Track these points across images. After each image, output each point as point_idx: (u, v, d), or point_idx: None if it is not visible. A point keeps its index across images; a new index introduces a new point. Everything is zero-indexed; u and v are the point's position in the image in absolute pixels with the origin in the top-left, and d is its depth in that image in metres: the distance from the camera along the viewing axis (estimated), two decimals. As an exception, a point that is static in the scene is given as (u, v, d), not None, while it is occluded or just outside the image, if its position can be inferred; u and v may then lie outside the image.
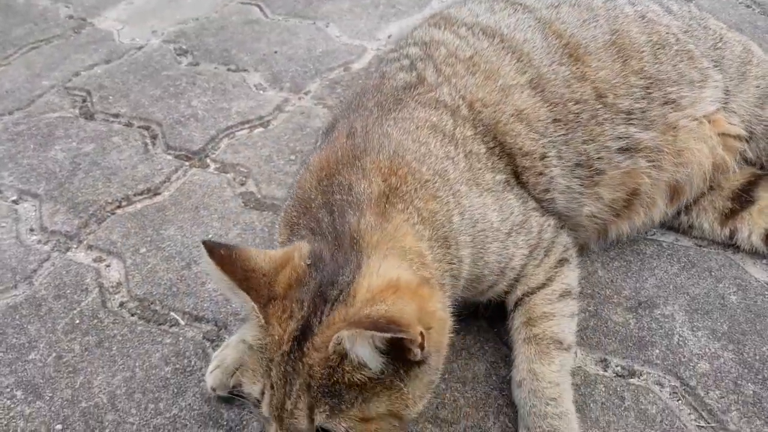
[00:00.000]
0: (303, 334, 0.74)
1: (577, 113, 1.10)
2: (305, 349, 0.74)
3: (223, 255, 0.75)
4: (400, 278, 0.78)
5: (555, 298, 1.05)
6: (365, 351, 0.70)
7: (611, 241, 1.26)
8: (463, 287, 0.97)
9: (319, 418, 0.74)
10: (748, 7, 2.00)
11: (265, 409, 0.78)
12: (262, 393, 0.77)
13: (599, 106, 1.11)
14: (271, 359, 0.75)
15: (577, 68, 1.12)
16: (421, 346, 0.70)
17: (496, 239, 1.00)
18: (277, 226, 1.02)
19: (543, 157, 1.08)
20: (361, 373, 0.73)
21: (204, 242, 0.76)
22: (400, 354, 0.71)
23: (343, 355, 0.72)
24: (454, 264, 0.92)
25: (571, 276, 1.10)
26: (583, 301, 1.14)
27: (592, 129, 1.11)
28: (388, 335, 0.67)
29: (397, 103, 1.04)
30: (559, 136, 1.09)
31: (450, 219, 0.93)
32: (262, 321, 0.76)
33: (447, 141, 0.99)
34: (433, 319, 0.77)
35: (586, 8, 1.19)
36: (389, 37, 1.92)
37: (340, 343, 0.71)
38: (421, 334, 0.70)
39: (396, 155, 0.94)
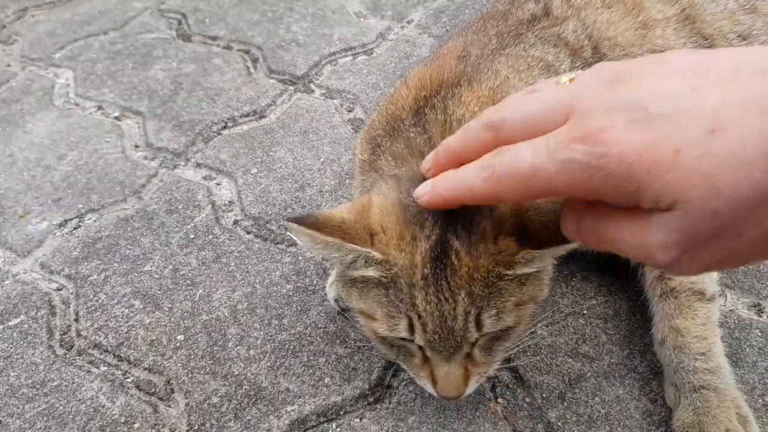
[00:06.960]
0: (443, 251, 0.68)
1: None
2: (455, 263, 0.67)
3: (313, 223, 0.69)
4: None
5: None
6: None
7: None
8: None
9: (488, 323, 0.69)
10: None
11: (420, 339, 0.71)
12: (410, 327, 0.70)
13: None
14: (409, 291, 0.68)
15: None
16: None
17: None
18: (359, 141, 0.95)
19: None
20: (525, 270, 0.68)
21: (289, 219, 0.69)
22: None
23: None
24: None
25: None
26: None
27: None
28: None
29: (515, 38, 0.94)
30: None
31: None
32: (379, 257, 0.69)
33: None
34: None
35: None
36: (494, -31, 1.81)
37: (531, 259, 0.67)
38: None
39: (499, 89, 0.85)
